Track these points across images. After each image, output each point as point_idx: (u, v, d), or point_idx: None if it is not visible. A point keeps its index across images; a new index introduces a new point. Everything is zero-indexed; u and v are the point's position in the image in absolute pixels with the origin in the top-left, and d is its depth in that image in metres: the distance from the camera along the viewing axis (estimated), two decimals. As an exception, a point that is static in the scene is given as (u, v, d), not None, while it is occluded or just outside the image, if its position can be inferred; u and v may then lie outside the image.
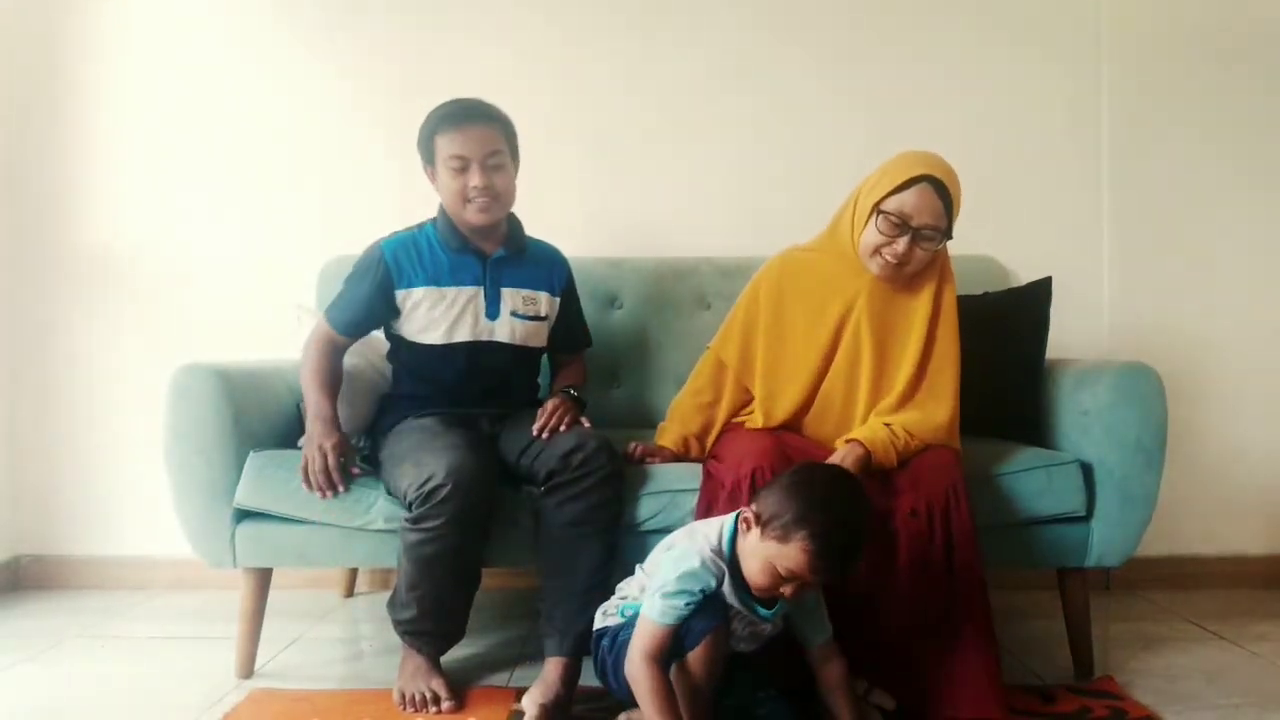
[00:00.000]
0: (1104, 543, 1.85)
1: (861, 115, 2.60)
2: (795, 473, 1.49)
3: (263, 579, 1.90)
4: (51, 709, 1.75)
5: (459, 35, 2.59)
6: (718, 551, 1.47)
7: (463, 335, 1.91)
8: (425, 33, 2.59)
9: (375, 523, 1.80)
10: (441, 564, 1.70)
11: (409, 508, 1.69)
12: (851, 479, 1.54)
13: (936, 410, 1.80)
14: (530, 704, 1.65)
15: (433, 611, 1.74)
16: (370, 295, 1.90)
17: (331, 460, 1.76)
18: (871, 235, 1.77)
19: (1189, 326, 2.60)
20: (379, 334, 2.04)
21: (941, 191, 1.73)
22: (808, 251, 1.94)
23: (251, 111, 2.60)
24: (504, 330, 1.95)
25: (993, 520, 1.79)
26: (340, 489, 1.77)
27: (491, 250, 1.95)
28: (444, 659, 1.81)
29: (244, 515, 1.85)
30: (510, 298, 1.96)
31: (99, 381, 2.59)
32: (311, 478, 1.76)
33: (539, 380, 2.11)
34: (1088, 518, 1.85)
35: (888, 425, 1.76)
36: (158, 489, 1.91)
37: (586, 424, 1.88)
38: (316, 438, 1.79)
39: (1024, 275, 2.35)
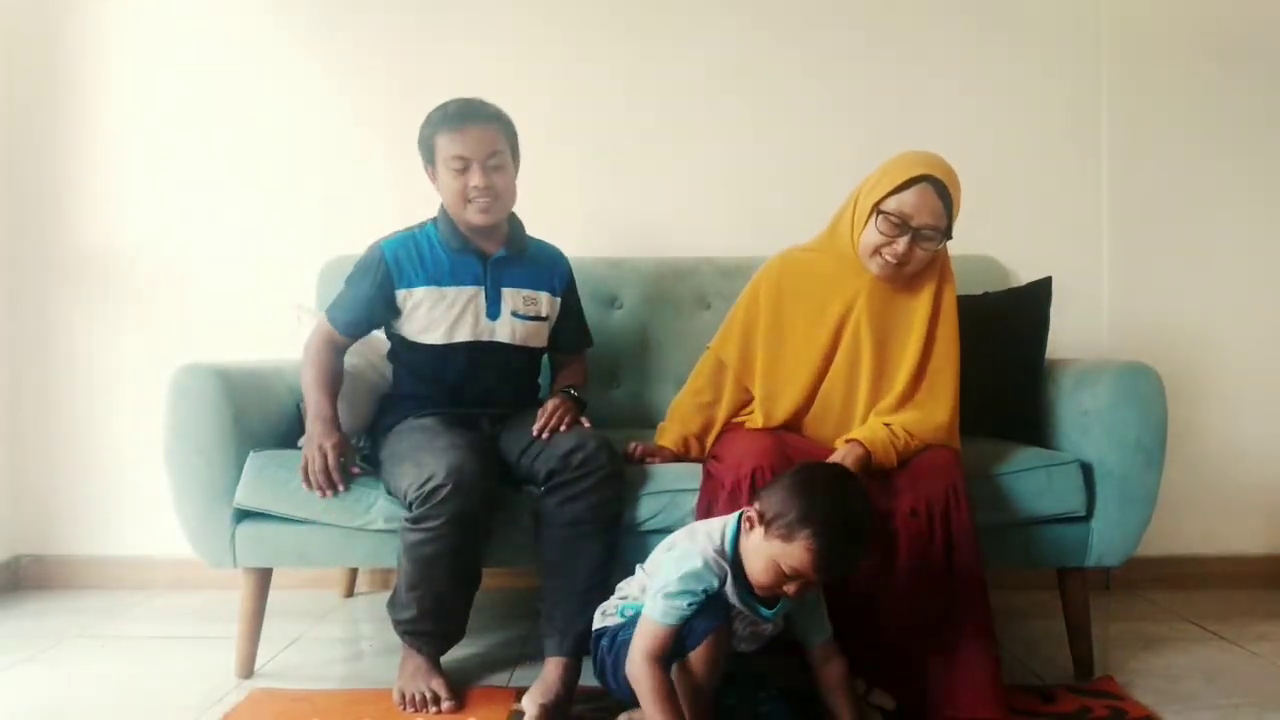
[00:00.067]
0: (1104, 543, 1.85)
1: (861, 115, 2.60)
2: (798, 472, 1.49)
3: (263, 579, 1.90)
4: (51, 709, 1.75)
5: (459, 35, 2.59)
6: (720, 551, 1.47)
7: (463, 335, 1.91)
8: (425, 33, 2.59)
9: (375, 523, 1.80)
10: (441, 564, 1.70)
11: (409, 508, 1.69)
12: (853, 477, 1.55)
13: (936, 410, 1.80)
14: (530, 704, 1.65)
15: (433, 611, 1.74)
16: (371, 295, 1.90)
17: (332, 460, 1.76)
18: (871, 235, 1.77)
19: (1189, 326, 2.61)
20: (379, 334, 2.04)
21: (941, 191, 1.73)
22: (807, 251, 1.94)
23: (251, 111, 2.60)
24: (504, 330, 1.95)
25: (993, 520, 1.79)
26: (340, 488, 1.78)
27: (492, 250, 1.95)
28: (444, 659, 1.81)
29: (244, 515, 1.85)
30: (511, 298, 1.96)
31: (99, 381, 2.59)
32: (312, 477, 1.76)
33: (539, 380, 2.11)
34: (1088, 518, 1.85)
35: (887, 425, 1.76)
36: (158, 489, 1.91)
37: (587, 424, 1.88)
38: (317, 437, 1.80)
39: (1024, 275, 2.35)
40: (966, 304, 1.91)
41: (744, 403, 1.94)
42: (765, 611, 1.49)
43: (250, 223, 2.60)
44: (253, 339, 2.36)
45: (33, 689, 1.85)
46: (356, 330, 1.94)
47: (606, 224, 2.60)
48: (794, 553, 1.40)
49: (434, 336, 1.91)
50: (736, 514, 1.53)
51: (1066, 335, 2.38)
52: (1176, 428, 1.93)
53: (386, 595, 1.83)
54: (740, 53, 2.61)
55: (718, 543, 1.49)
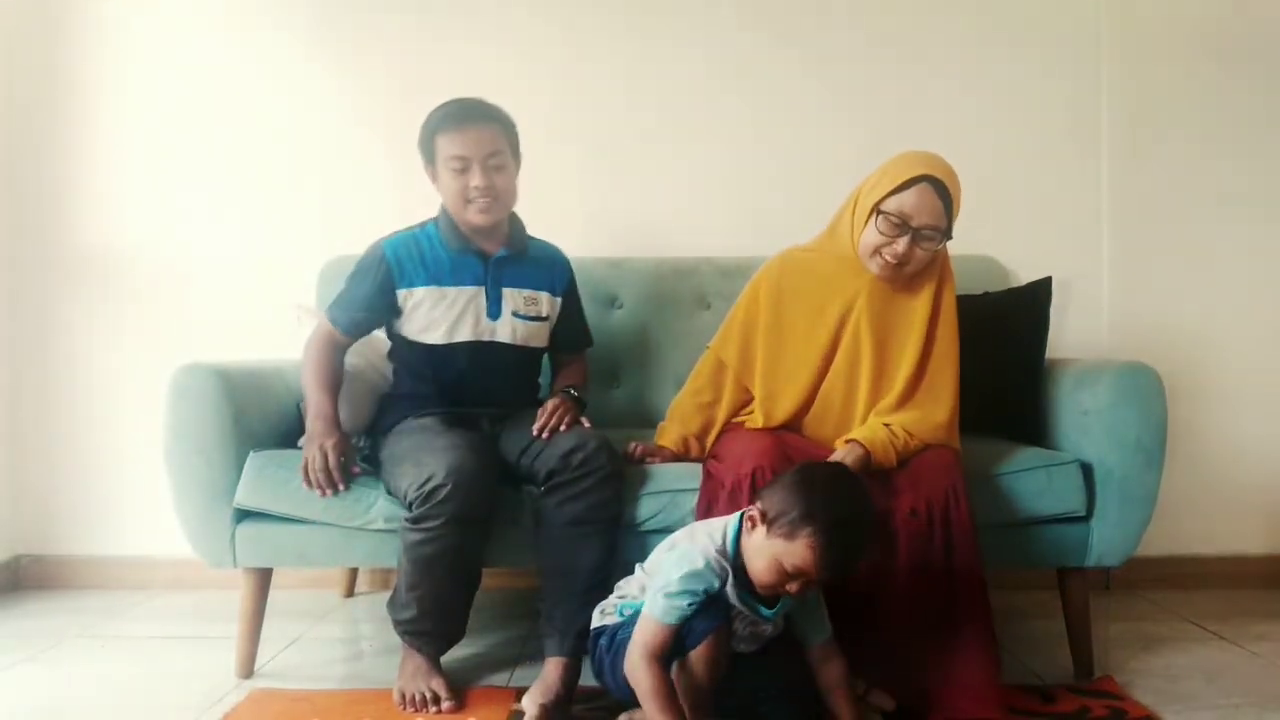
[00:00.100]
0: (1104, 543, 1.85)
1: (861, 115, 2.60)
2: (800, 470, 1.50)
3: (263, 579, 1.90)
4: (51, 709, 1.75)
5: (459, 35, 2.59)
6: (721, 551, 1.48)
7: (464, 335, 1.92)
8: (425, 33, 2.59)
9: (375, 523, 1.80)
10: (441, 564, 1.70)
11: (409, 507, 1.69)
12: (855, 476, 1.56)
13: (936, 410, 1.80)
14: (530, 704, 1.65)
15: (433, 611, 1.74)
16: (372, 294, 1.90)
17: (332, 459, 1.76)
18: (871, 235, 1.77)
19: (1189, 326, 2.60)
20: (380, 334, 2.04)
21: (941, 191, 1.73)
22: (807, 251, 1.94)
23: (251, 111, 2.60)
24: (505, 330, 1.95)
25: (993, 520, 1.79)
26: (341, 488, 1.77)
27: (493, 250, 1.95)
28: (444, 659, 1.81)
29: (244, 515, 1.85)
30: (511, 298, 1.96)
31: (99, 381, 2.59)
32: (312, 476, 1.76)
33: (540, 380, 2.11)
34: (1088, 518, 1.85)
35: (887, 425, 1.76)
36: (158, 489, 1.91)
37: (586, 424, 1.88)
38: (317, 437, 1.80)
39: (1024, 275, 2.35)
40: (966, 304, 1.91)
41: (744, 403, 1.94)
42: (766, 611, 1.49)
43: (250, 223, 2.60)
44: (253, 339, 2.36)
45: (33, 689, 1.85)
46: (357, 329, 1.94)
47: (606, 224, 2.60)
48: (797, 551, 1.40)
49: (435, 336, 1.91)
50: (738, 514, 1.53)
51: (1066, 335, 2.39)
52: (1176, 428, 1.93)
53: (386, 595, 1.83)
54: (740, 53, 2.61)
55: (719, 543, 1.49)
